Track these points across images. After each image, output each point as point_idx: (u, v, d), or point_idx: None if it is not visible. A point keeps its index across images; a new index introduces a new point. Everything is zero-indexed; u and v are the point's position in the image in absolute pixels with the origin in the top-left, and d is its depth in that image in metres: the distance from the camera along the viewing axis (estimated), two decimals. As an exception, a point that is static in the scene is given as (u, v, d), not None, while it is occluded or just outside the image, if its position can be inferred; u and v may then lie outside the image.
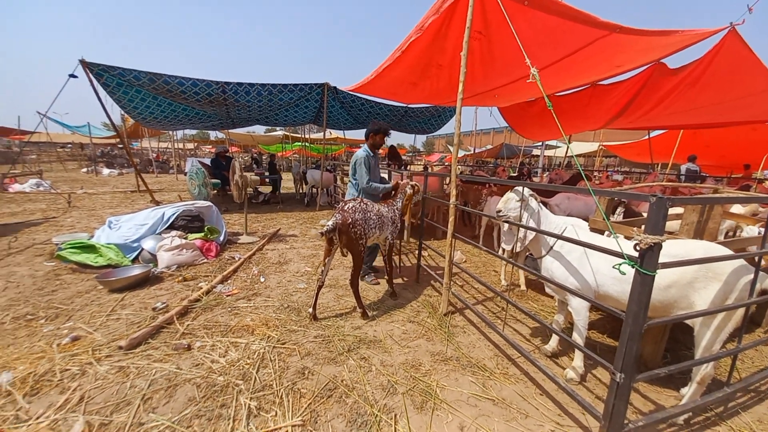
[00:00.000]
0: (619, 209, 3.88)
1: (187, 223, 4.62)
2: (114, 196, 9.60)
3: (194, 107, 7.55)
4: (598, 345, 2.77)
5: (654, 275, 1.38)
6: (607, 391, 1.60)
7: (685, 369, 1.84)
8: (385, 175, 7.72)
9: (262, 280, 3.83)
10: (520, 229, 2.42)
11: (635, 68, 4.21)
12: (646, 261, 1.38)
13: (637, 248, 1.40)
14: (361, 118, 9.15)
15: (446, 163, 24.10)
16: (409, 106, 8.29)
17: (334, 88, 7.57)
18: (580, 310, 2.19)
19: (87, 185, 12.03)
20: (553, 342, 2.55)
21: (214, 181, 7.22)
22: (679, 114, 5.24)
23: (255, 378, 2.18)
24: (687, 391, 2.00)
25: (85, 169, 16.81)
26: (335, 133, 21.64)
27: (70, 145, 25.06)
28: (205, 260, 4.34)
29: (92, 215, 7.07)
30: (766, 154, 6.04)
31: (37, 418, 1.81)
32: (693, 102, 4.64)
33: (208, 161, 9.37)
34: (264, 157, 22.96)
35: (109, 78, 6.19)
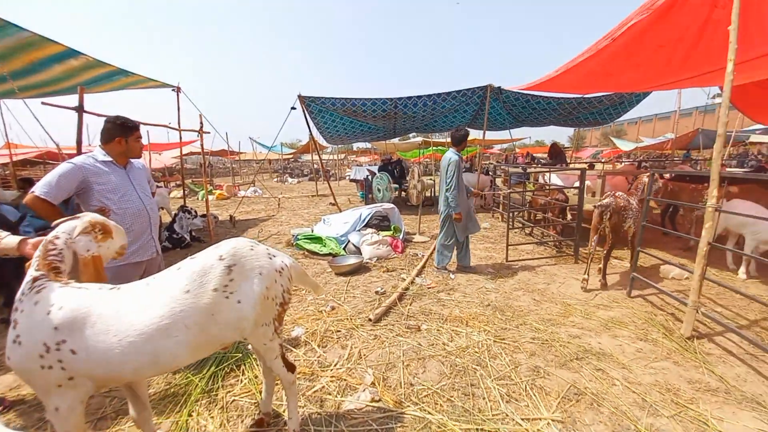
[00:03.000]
0: None
1: (379, 222, 5.39)
2: (302, 200, 12.08)
3: (368, 123, 8.75)
4: None
5: None
6: None
7: None
8: (556, 180, 7.13)
9: (453, 277, 4.10)
10: None
11: None
12: None
13: None
14: (523, 116, 8.70)
15: (603, 159, 20.22)
16: (584, 96, 7.40)
17: (498, 88, 7.46)
18: None
19: (281, 191, 15.50)
20: None
21: (394, 185, 8.17)
22: None
23: (490, 366, 2.35)
24: None
25: (276, 179, 21.78)
26: (472, 134, 21.42)
27: (263, 161, 33.09)
28: (395, 255, 4.96)
29: (295, 214, 9.07)
30: None
31: (335, 365, 2.42)
32: None
33: (373, 168, 10.71)
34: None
35: (314, 106, 7.84)
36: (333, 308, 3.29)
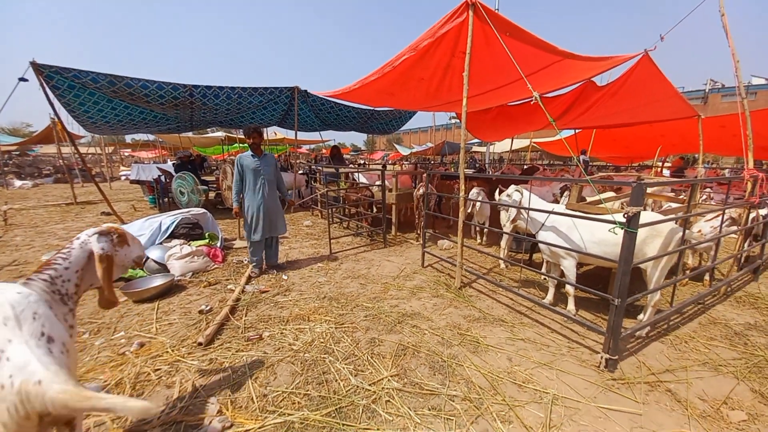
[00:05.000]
0: (566, 193, 4.95)
1: (189, 230, 4.60)
2: (51, 211, 8.50)
3: (155, 110, 7.12)
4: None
5: (636, 232, 2.17)
6: (584, 326, 2.37)
7: (639, 306, 2.73)
8: (363, 179, 8.17)
9: (285, 278, 4.08)
10: (524, 211, 3.17)
11: (574, 84, 5.30)
12: (632, 223, 2.15)
13: (625, 216, 2.17)
14: (329, 120, 9.42)
15: (391, 161, 25.17)
16: (376, 109, 8.82)
17: (305, 91, 7.77)
18: (570, 267, 3.00)
19: (5, 200, 10.27)
20: (550, 296, 3.35)
21: (202, 187, 6.92)
22: (601, 117, 6.62)
23: (336, 351, 2.58)
24: (644, 315, 2.91)
25: (-19, 182, 14.11)
26: (281, 134, 21.36)
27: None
28: (216, 266, 4.40)
29: (40, 232, 6.34)
30: (659, 146, 7.89)
31: (164, 412, 1.99)
32: (611, 108, 5.96)
33: (165, 166, 8.81)
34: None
35: (60, 80, 5.63)
36: (142, 345, 2.63)
